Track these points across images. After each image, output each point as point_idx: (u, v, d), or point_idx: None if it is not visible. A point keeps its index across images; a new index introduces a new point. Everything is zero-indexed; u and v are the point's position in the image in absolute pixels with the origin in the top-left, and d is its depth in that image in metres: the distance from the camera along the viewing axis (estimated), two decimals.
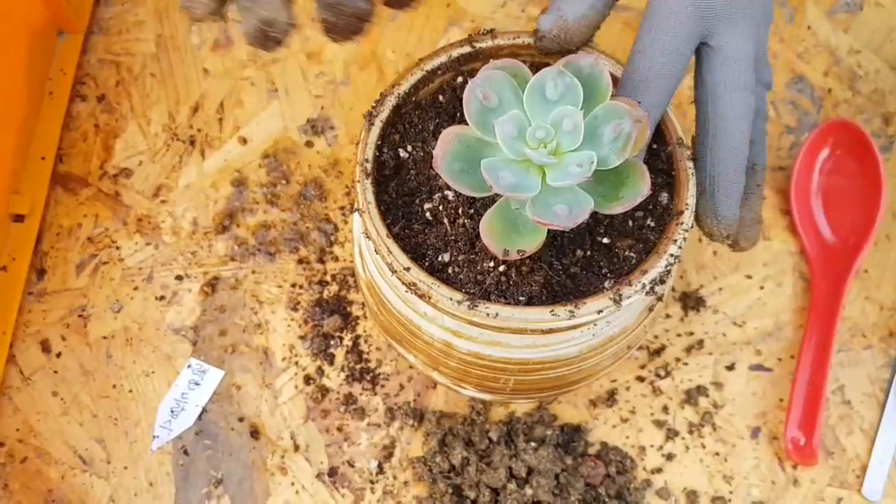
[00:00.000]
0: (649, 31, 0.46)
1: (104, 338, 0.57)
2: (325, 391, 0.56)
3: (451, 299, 0.43)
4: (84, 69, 0.64)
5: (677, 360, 0.57)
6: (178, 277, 0.59)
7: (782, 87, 0.64)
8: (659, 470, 0.54)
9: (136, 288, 0.58)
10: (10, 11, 0.58)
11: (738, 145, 0.46)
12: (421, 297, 0.44)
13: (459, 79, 0.49)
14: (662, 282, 0.44)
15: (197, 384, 0.56)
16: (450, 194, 0.46)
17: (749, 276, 0.59)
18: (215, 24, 0.65)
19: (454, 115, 0.49)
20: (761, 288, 0.59)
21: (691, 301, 0.58)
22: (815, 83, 0.64)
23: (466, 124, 0.44)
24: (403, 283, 0.44)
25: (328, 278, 0.59)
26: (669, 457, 0.55)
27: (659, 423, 0.55)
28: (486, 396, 0.51)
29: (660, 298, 0.48)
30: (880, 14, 0.66)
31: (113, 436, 0.55)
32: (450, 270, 0.45)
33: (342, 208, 0.60)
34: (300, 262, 0.59)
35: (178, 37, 0.65)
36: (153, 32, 0.65)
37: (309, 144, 0.62)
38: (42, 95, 0.62)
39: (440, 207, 0.46)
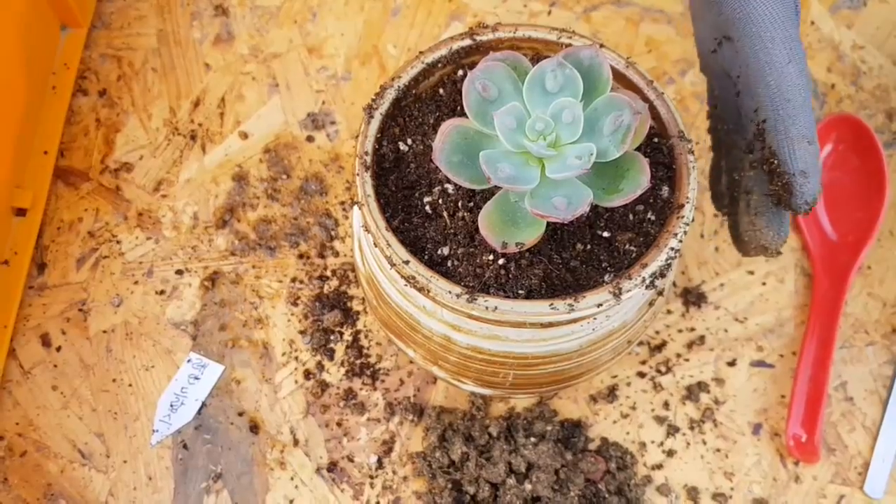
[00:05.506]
0: (777, 30, 0.43)
1: (104, 332, 0.57)
2: (324, 386, 0.56)
3: (449, 293, 0.43)
4: (86, 63, 0.64)
5: (678, 355, 0.57)
6: (179, 272, 0.58)
7: None
8: (659, 466, 0.54)
9: (136, 282, 0.58)
10: (14, 5, 0.58)
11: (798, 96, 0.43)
12: (420, 290, 0.44)
13: (460, 72, 0.49)
14: (662, 276, 0.44)
15: (196, 378, 0.56)
16: (449, 187, 0.46)
17: (751, 272, 0.59)
18: (216, 18, 0.65)
19: (454, 108, 0.49)
20: (763, 284, 0.58)
21: (693, 297, 0.58)
22: (819, 79, 0.64)
23: (466, 117, 0.44)
24: (402, 276, 0.44)
25: (328, 273, 0.58)
26: (670, 453, 0.54)
27: (660, 419, 0.55)
28: (486, 391, 0.51)
29: (660, 293, 0.48)
30: (884, 10, 0.66)
31: (112, 430, 0.55)
32: (449, 264, 0.45)
33: (343, 203, 0.60)
34: (300, 257, 0.59)
35: (179, 31, 0.65)
36: (154, 27, 0.65)
37: (310, 139, 0.62)
38: (45, 90, 0.62)
39: (440, 201, 0.46)
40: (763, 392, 0.56)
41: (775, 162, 0.44)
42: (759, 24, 0.44)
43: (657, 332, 0.57)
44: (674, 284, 0.58)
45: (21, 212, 0.59)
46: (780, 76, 0.43)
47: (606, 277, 0.44)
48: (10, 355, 0.56)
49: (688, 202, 0.45)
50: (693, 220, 0.46)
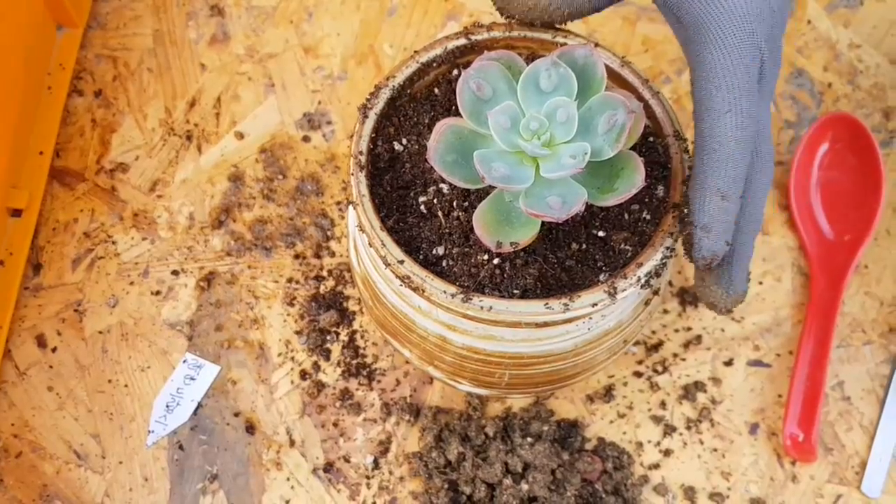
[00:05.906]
0: (724, 77, 0.41)
1: (100, 333, 0.57)
2: (321, 386, 0.56)
3: (444, 292, 0.43)
4: (81, 64, 0.64)
5: (675, 355, 0.57)
6: (174, 272, 0.58)
7: (782, 81, 0.63)
8: (656, 466, 0.54)
9: (131, 283, 0.58)
10: (10, 6, 0.58)
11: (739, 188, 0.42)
12: (415, 290, 0.43)
13: (455, 71, 0.49)
14: (658, 275, 0.44)
15: (192, 379, 0.56)
16: (444, 187, 0.46)
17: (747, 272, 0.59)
18: (212, 18, 0.65)
19: (449, 108, 0.48)
20: (760, 283, 0.58)
21: (689, 296, 0.58)
22: (815, 78, 0.64)
23: (461, 117, 0.44)
24: (397, 276, 0.44)
25: (325, 273, 0.58)
26: (667, 452, 0.54)
27: (656, 419, 0.55)
28: (482, 391, 0.51)
29: (656, 292, 0.48)
30: (881, 9, 0.66)
31: (108, 431, 0.54)
32: (444, 264, 0.45)
33: (339, 203, 0.60)
34: (297, 257, 0.59)
35: (175, 32, 0.65)
36: (150, 27, 0.65)
37: (306, 139, 0.62)
38: (41, 90, 0.62)
39: (434, 200, 0.46)
40: (760, 391, 0.56)
41: (686, 210, 0.43)
42: (709, 69, 0.42)
43: (654, 332, 0.57)
44: (670, 284, 0.58)
45: (16, 212, 0.59)
46: (714, 125, 0.41)
47: (602, 277, 0.44)
48: (5, 356, 0.56)
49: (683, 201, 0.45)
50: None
